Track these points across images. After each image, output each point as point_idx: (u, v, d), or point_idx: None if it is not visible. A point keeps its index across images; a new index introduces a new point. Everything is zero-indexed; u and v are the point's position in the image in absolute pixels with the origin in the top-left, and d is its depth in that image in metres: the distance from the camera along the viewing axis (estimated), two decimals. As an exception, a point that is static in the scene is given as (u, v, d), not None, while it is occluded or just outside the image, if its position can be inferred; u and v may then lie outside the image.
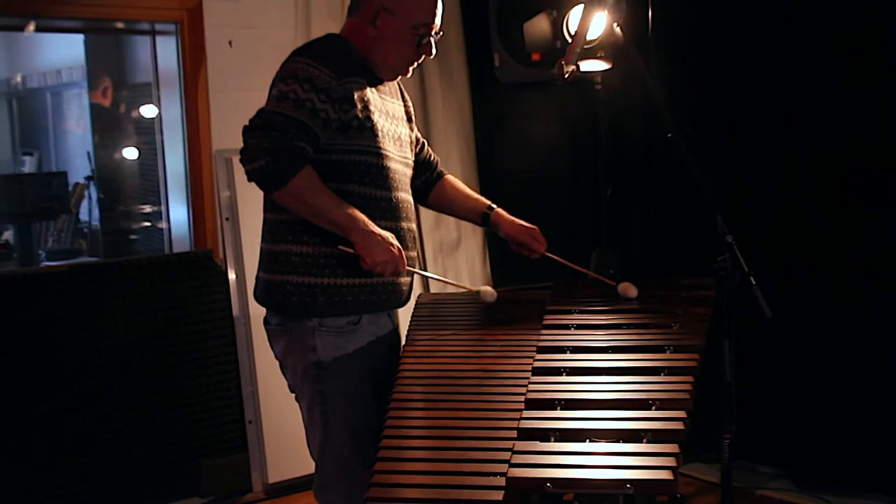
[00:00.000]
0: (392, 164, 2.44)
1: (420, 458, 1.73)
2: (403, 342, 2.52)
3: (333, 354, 2.36)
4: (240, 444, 3.98)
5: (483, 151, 4.49)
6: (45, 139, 6.47)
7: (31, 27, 4.20)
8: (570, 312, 2.65)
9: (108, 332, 3.73)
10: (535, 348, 2.31)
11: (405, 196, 2.51)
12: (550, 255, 2.80)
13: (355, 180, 2.36)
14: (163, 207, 4.25)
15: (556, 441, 1.71)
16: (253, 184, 2.24)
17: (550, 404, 1.90)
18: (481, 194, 4.42)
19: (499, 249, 4.48)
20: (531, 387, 2.01)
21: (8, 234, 4.91)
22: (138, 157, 4.68)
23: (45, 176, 5.27)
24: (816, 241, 3.67)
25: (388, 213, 2.42)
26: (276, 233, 2.39)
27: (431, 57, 2.48)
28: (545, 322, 2.55)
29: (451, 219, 4.35)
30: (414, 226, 2.57)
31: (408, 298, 2.59)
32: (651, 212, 4.02)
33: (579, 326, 2.51)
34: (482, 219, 2.79)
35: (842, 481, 3.70)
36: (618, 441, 1.69)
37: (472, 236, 4.46)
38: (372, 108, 2.38)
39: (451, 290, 3.71)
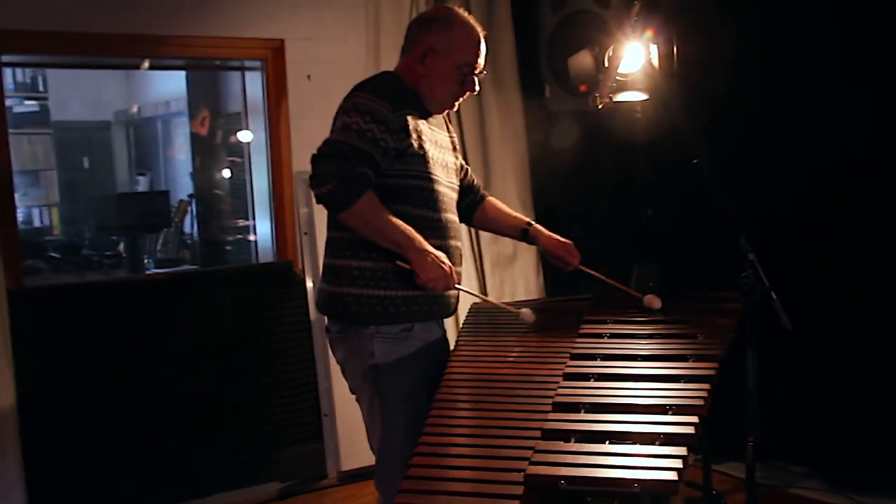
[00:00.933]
0: (441, 188, 2.46)
1: (452, 454, 1.73)
2: (453, 347, 2.54)
3: (389, 359, 2.38)
4: (316, 435, 4.04)
5: (536, 173, 4.48)
6: (155, 162, 6.68)
7: (146, 65, 4.38)
8: (605, 322, 2.63)
9: (202, 333, 3.83)
10: (569, 355, 2.30)
11: (452, 217, 2.54)
12: (583, 267, 2.79)
13: (409, 202, 2.38)
14: (251, 222, 4.35)
15: (575, 441, 1.69)
16: None
17: (575, 407, 1.88)
18: (535, 212, 4.49)
19: (552, 263, 4.46)
20: (560, 391, 2.00)
21: (120, 246, 5.08)
22: (231, 178, 4.79)
23: (150, 194, 5.44)
24: (845, 241, 3.58)
25: (438, 233, 2.44)
26: (338, 249, 2.43)
27: (475, 93, 2.51)
28: (581, 331, 2.54)
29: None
30: (461, 244, 2.59)
31: (455, 309, 2.61)
32: (688, 230, 3.96)
33: (612, 335, 2.48)
34: (521, 234, 2.81)
35: (873, 482, 3.59)
36: (633, 443, 1.67)
37: (528, 250, 4.44)
38: (424, 137, 2.41)
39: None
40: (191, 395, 3.82)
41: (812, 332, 3.63)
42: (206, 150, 4.88)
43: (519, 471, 1.55)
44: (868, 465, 3.59)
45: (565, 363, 2.23)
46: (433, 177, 2.43)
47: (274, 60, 4.04)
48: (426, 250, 2.29)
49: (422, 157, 2.39)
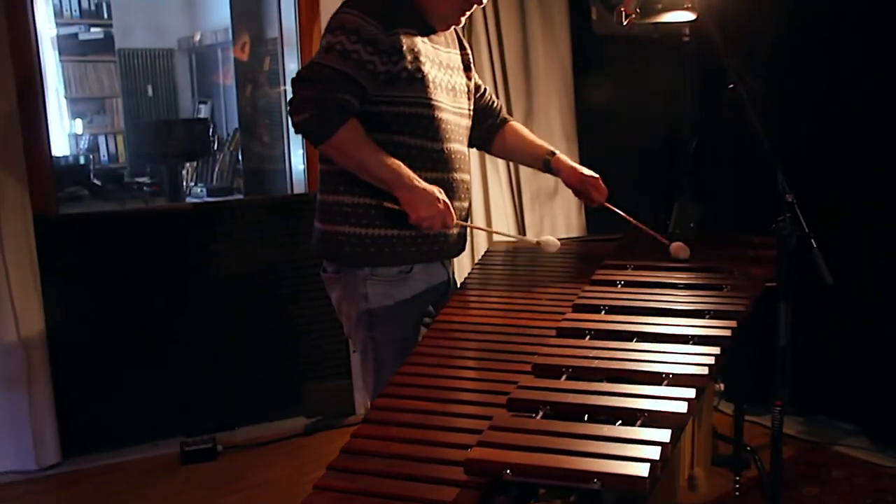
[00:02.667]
0: (444, 115, 2.14)
1: (403, 422, 1.45)
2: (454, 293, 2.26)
3: (384, 302, 2.13)
4: (345, 372, 3.85)
5: (581, 103, 4.09)
6: (216, 89, 6.48)
7: None
8: (623, 268, 2.30)
9: (232, 265, 3.66)
10: (572, 305, 1.99)
11: (458, 147, 2.22)
12: (609, 205, 2.45)
13: (405, 132, 2.09)
14: (285, 152, 4.10)
15: (542, 417, 1.39)
16: None
17: (556, 371, 1.58)
18: (578, 144, 4.11)
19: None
20: (545, 350, 1.69)
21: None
22: (269, 107, 4.54)
23: (190, 122, 5.24)
24: None
25: (439, 165, 2.15)
26: (330, 183, 2.15)
27: (482, 5, 2.17)
28: (593, 278, 2.22)
29: (550, 168, 4.01)
30: (468, 177, 2.28)
31: (462, 248, 2.32)
32: (738, 165, 3.52)
33: (627, 284, 2.16)
34: (543, 165, 2.49)
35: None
36: (613, 420, 1.36)
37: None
38: (423, 58, 2.08)
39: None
40: (220, 328, 3.67)
41: (867, 285, 3.22)
42: (250, 77, 4.62)
43: (468, 447, 1.26)
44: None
45: (564, 315, 1.92)
46: (434, 102, 2.11)
47: (306, -17, 3.74)
48: (416, 186, 2.01)
49: (420, 81, 2.08)
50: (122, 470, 3.41)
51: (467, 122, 2.29)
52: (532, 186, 4.03)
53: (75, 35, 6.39)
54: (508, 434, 1.30)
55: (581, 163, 4.07)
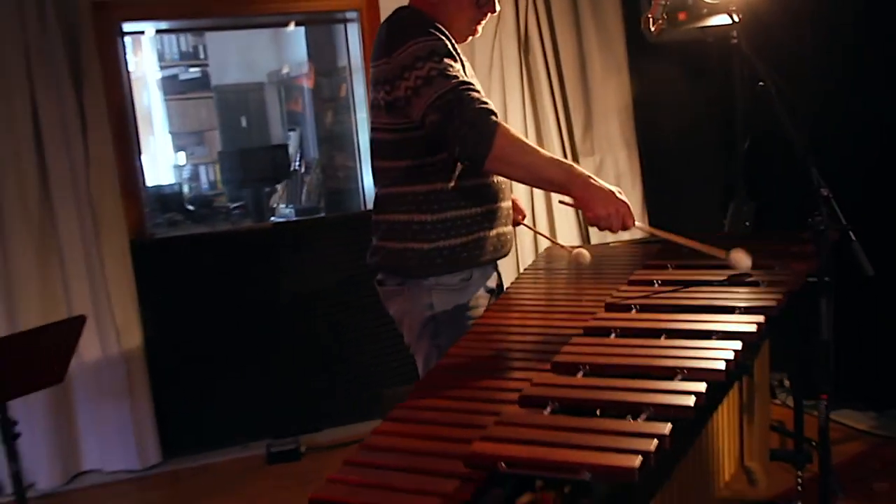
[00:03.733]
0: None
1: (421, 420, 1.46)
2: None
3: (448, 309, 2.13)
4: (417, 377, 3.87)
5: (639, 107, 4.01)
6: (302, 117, 6.67)
7: (291, 25, 4.23)
8: (664, 268, 2.26)
9: (314, 278, 3.76)
10: (605, 304, 1.96)
11: None
12: (526, 224, 2.52)
13: None
14: (358, 171, 4.19)
15: (551, 412, 1.38)
16: None
17: (574, 369, 1.56)
18: (638, 147, 4.03)
19: (658, 202, 4.01)
20: (568, 347, 1.67)
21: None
22: (343, 131, 4.65)
23: (271, 148, 5.39)
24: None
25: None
26: (395, 204, 2.13)
27: (495, 13, 2.16)
28: (631, 278, 2.18)
29: (611, 171, 3.97)
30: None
31: (510, 249, 2.31)
32: (792, 165, 3.38)
33: (664, 283, 2.11)
34: None
35: None
36: (622, 415, 1.33)
37: (632, 190, 4.01)
38: (466, 70, 2.08)
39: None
40: (303, 337, 3.78)
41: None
42: (327, 105, 4.75)
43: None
44: None
45: (595, 314, 1.89)
46: None
47: (368, 11, 3.81)
48: (592, 184, 1.85)
49: None
50: (215, 470, 3.55)
51: None
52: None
53: (176, 76, 6.72)
54: (512, 428, 1.30)
55: (642, 168, 4.03)
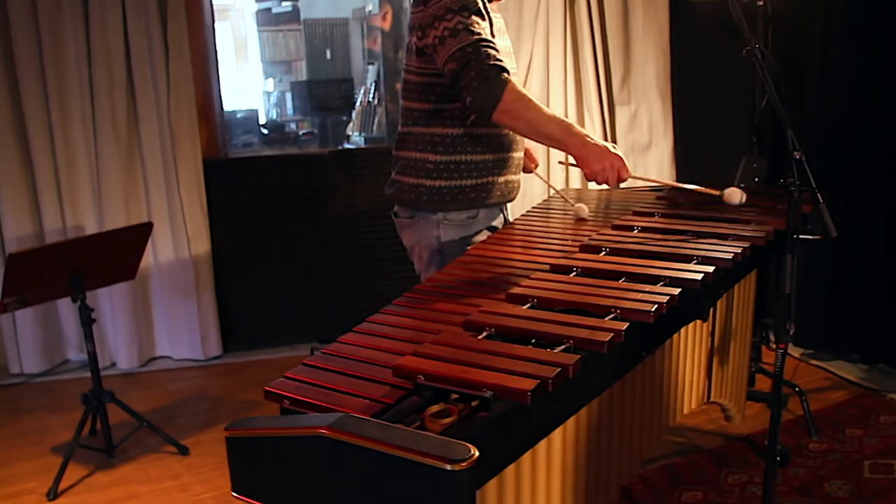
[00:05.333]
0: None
1: (381, 335, 1.56)
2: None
3: (454, 242, 2.21)
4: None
5: (676, 62, 3.90)
6: (379, 54, 6.70)
7: None
8: (651, 215, 2.27)
9: (358, 199, 3.88)
10: (579, 247, 2.00)
11: None
12: (538, 174, 2.54)
13: None
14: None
15: (485, 337, 1.46)
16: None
17: (524, 300, 1.62)
18: (674, 101, 3.93)
19: (686, 153, 3.94)
20: (528, 281, 1.73)
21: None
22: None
23: (336, 81, 5.46)
24: None
25: None
26: (413, 143, 2.20)
27: None
28: (615, 223, 2.20)
29: (644, 121, 3.91)
30: None
31: (516, 195, 2.36)
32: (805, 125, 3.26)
33: (644, 230, 2.13)
34: None
35: None
36: (549, 346, 1.40)
37: (663, 139, 3.94)
38: (494, 28, 2.11)
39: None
40: (350, 254, 3.92)
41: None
42: (389, 45, 4.77)
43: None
44: None
45: (570, 254, 1.94)
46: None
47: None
48: (588, 142, 1.91)
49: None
50: (268, 365, 3.78)
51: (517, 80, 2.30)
52: (627, 140, 3.93)
53: (269, 9, 6.83)
54: (441, 347, 1.38)
55: (674, 120, 3.94)
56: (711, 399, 2.31)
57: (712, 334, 2.21)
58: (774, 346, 1.98)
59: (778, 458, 2.00)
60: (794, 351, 3.44)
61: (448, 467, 1.03)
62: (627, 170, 1.93)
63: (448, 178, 2.16)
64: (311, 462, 1.17)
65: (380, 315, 1.67)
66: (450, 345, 1.40)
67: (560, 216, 2.49)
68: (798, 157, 1.92)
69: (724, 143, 3.51)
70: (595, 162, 1.91)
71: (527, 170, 2.52)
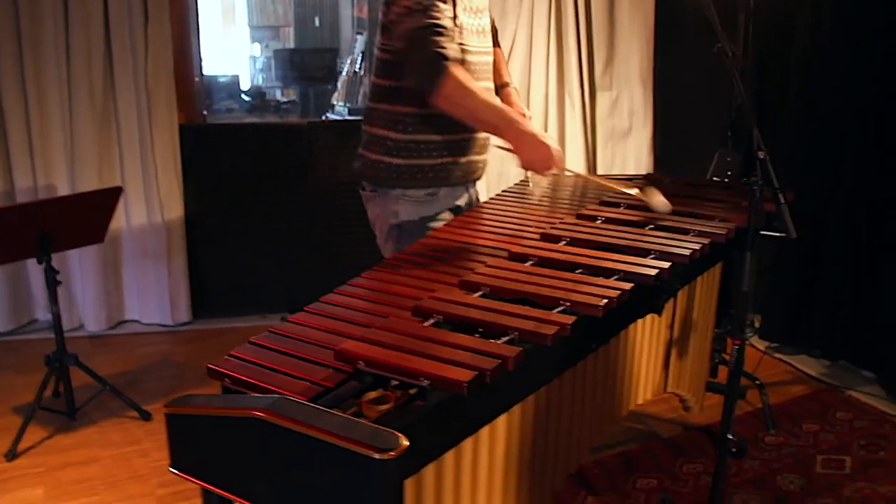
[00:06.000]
0: (473, 58, 2.16)
1: (331, 315, 1.56)
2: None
3: (412, 218, 2.22)
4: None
5: (660, 51, 3.89)
6: (372, 24, 6.63)
7: None
8: (617, 206, 2.27)
9: (337, 174, 3.85)
10: (540, 235, 2.00)
11: (486, 84, 2.23)
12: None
13: None
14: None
15: (432, 324, 1.46)
16: None
17: (476, 287, 1.63)
18: (655, 90, 3.93)
19: (667, 140, 3.93)
20: (482, 270, 1.74)
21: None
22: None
23: (320, 50, 5.41)
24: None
25: None
26: (377, 119, 2.22)
27: None
28: (580, 212, 2.20)
29: (625, 108, 3.89)
30: None
31: (481, 175, 2.36)
32: (798, 122, 3.26)
33: (607, 221, 2.13)
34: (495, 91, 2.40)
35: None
36: (495, 336, 1.41)
37: (643, 127, 3.94)
38: (458, 8, 2.09)
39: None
40: (324, 226, 3.90)
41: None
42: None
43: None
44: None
45: (531, 242, 1.94)
46: (466, 47, 2.11)
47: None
48: (523, 131, 1.95)
49: (458, 29, 2.07)
50: (237, 333, 3.77)
51: (489, 59, 2.29)
52: (607, 125, 3.92)
53: (259, -29, 6.72)
54: (387, 333, 1.39)
55: (654, 108, 3.94)
56: (669, 390, 2.33)
57: (671, 326, 2.23)
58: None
59: (734, 450, 2.03)
60: (759, 344, 3.48)
61: (376, 456, 1.05)
62: (557, 161, 1.96)
63: (406, 156, 2.17)
64: (247, 443, 1.18)
65: (333, 295, 1.68)
66: (395, 331, 1.40)
67: (529, 202, 2.48)
68: (762, 156, 1.92)
69: (703, 134, 3.52)
70: (527, 151, 1.94)
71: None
